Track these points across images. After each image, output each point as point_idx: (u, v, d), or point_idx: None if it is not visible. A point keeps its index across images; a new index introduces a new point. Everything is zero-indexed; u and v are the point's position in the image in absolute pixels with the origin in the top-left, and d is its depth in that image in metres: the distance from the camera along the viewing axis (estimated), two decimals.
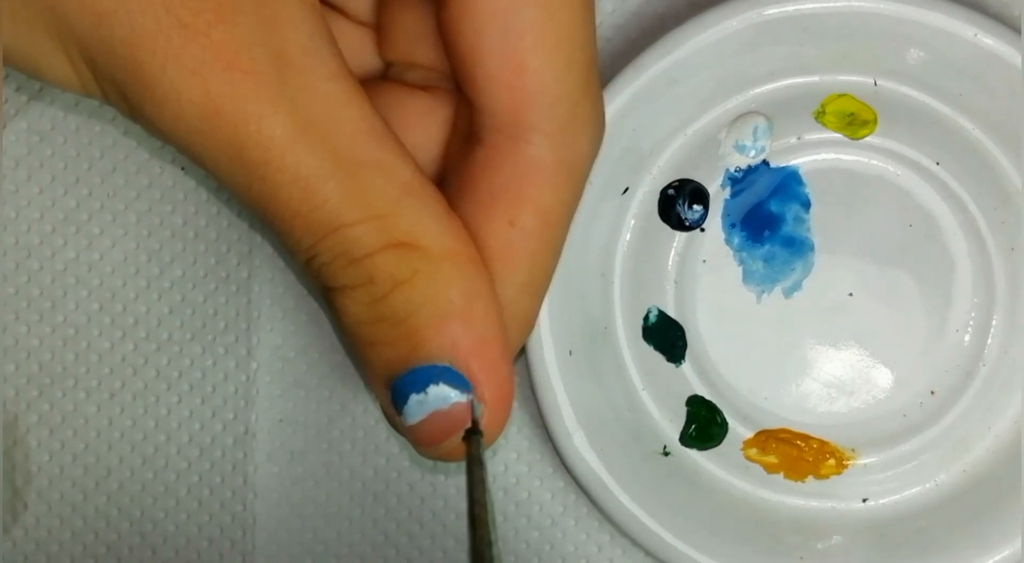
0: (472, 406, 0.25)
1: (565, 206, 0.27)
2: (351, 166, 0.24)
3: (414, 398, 0.25)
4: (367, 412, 0.37)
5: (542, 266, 0.27)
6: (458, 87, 0.27)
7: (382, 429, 0.37)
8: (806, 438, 0.37)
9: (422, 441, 0.26)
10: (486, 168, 0.26)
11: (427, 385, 0.25)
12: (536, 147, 0.26)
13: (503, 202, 0.26)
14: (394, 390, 0.25)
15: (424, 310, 0.25)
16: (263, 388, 0.37)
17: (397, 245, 0.25)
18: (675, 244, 0.37)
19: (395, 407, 0.26)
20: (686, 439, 0.37)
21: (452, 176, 0.28)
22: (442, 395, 0.25)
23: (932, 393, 0.37)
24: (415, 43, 0.28)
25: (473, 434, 0.26)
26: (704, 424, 0.37)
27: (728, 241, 0.37)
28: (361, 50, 0.29)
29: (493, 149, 0.26)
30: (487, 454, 0.32)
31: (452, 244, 0.25)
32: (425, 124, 0.28)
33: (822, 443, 0.37)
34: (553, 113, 0.26)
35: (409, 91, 0.29)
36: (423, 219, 0.25)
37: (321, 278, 0.25)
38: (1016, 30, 0.34)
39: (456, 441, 0.26)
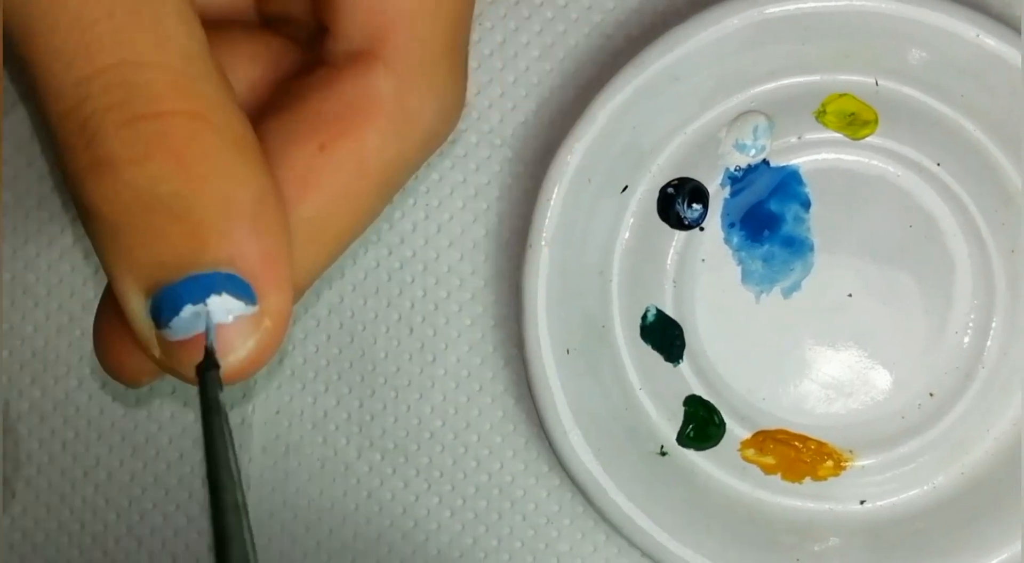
0: (229, 329, 0.21)
1: (388, 158, 0.24)
2: (157, 4, 0.21)
3: (188, 309, 0.21)
4: (363, 407, 0.37)
5: (341, 210, 0.23)
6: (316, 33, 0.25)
7: (378, 425, 0.37)
8: (804, 439, 0.36)
9: (190, 359, 0.21)
10: (318, 87, 0.23)
11: (207, 295, 0.21)
12: (379, 77, 0.23)
13: (322, 123, 0.23)
14: (161, 298, 0.21)
15: (211, 205, 0.21)
16: (260, 380, 0.37)
17: (193, 116, 0.21)
18: (674, 243, 0.37)
19: (156, 319, 0.21)
20: (683, 439, 0.36)
21: (275, 100, 0.25)
22: (226, 306, 0.21)
23: (931, 395, 0.37)
24: None
25: (208, 370, 0.21)
26: (702, 424, 0.37)
27: (727, 240, 0.37)
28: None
29: (337, 70, 0.23)
30: None
31: (243, 131, 0.21)
32: (265, 58, 0.25)
33: (820, 444, 0.36)
34: (407, 52, 0.24)
35: (265, 31, 0.26)
36: (216, 93, 0.21)
37: (82, 141, 0.20)
38: (1018, 31, 0.34)
39: (235, 360, 0.22)
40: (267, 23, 0.27)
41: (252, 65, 0.25)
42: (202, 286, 0.21)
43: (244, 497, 0.20)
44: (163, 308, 0.21)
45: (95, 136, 0.20)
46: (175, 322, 0.21)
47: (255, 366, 0.22)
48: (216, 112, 0.21)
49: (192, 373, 0.21)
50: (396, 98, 0.23)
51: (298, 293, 0.23)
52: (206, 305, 0.21)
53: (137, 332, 0.22)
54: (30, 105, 0.37)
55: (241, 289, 0.21)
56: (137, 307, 0.21)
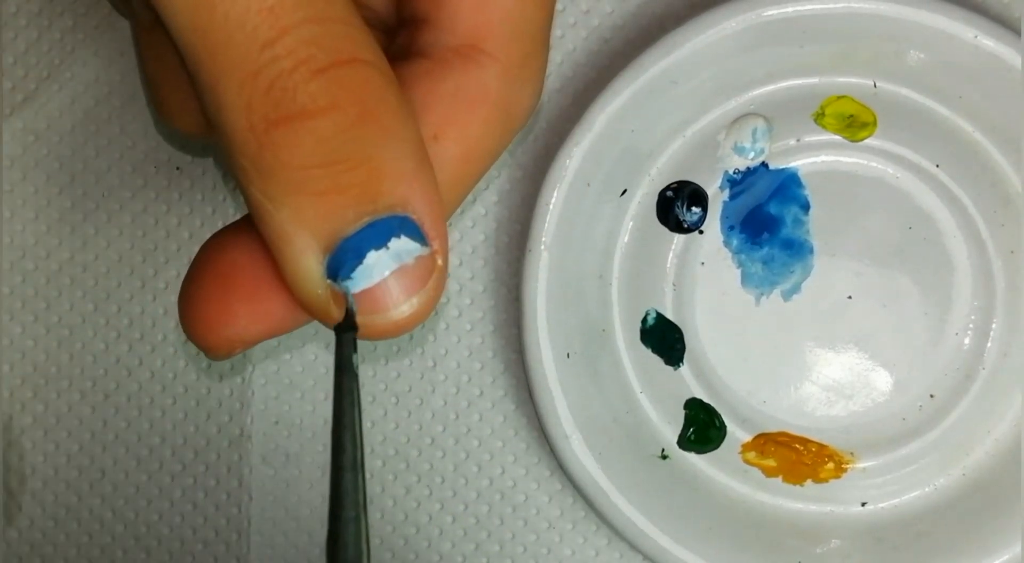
0: (410, 272, 0.22)
1: (489, 147, 0.25)
2: None
3: (372, 256, 0.21)
4: (364, 414, 0.37)
5: (446, 196, 0.24)
6: (393, 28, 0.26)
7: (377, 432, 0.37)
8: (805, 441, 0.37)
9: (376, 307, 0.22)
10: (428, 79, 0.24)
11: (388, 239, 0.21)
12: (486, 73, 0.24)
13: (435, 114, 0.24)
14: (342, 250, 0.21)
15: (388, 150, 0.21)
16: (258, 390, 0.37)
17: (363, 62, 0.21)
18: (673, 246, 0.37)
19: (331, 274, 0.22)
20: (684, 442, 0.37)
21: None
22: (406, 249, 0.22)
23: (931, 396, 0.37)
24: None
25: (347, 331, 0.22)
26: (702, 427, 0.37)
27: (727, 243, 0.37)
28: None
29: (442, 63, 0.24)
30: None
31: (398, 82, 0.22)
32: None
33: (821, 447, 0.37)
34: (511, 45, 0.25)
35: None
36: (374, 40, 0.22)
37: (269, 102, 0.21)
38: (1016, 32, 0.34)
39: (418, 303, 0.22)
40: None
41: None
42: (381, 231, 0.21)
43: (363, 458, 0.21)
44: (345, 259, 0.21)
45: (284, 92, 0.21)
46: (359, 270, 0.21)
47: (428, 309, 0.22)
48: (381, 59, 0.22)
49: (377, 325, 0.22)
50: (501, 90, 0.24)
51: None
52: (388, 249, 0.21)
53: (308, 291, 0.22)
54: (24, 118, 0.37)
55: (415, 232, 0.22)
56: (314, 264, 0.22)
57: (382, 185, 0.21)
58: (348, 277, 0.21)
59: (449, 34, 0.25)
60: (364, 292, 0.22)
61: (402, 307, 0.22)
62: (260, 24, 0.21)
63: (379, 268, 0.21)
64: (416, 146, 0.22)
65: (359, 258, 0.21)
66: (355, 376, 0.22)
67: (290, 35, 0.21)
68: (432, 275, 0.22)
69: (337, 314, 0.22)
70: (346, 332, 0.22)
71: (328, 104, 0.21)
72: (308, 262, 0.22)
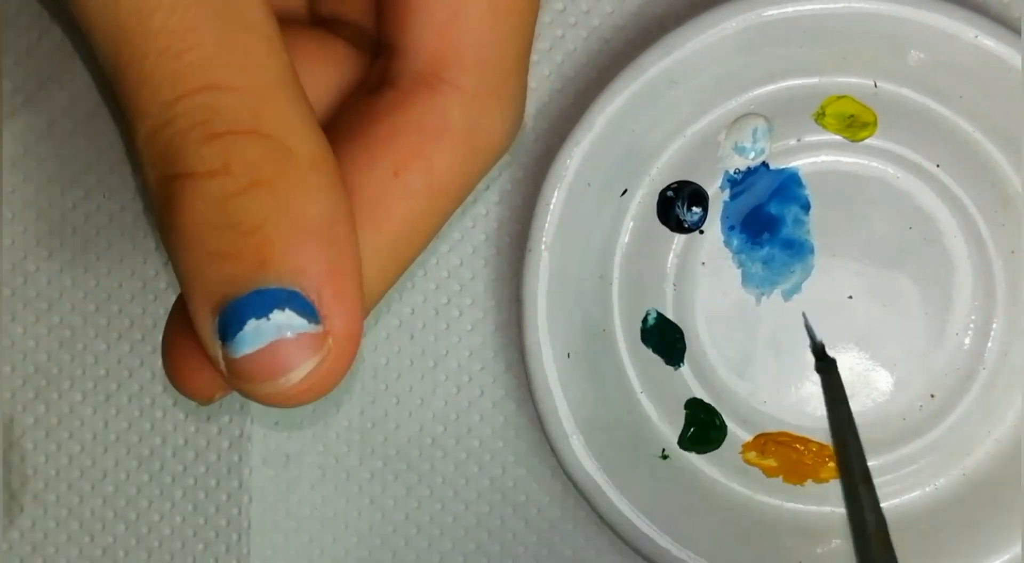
0: (289, 345, 0.22)
1: (458, 180, 0.24)
2: (239, 21, 0.22)
3: (252, 324, 0.21)
4: (363, 414, 0.37)
5: (411, 237, 0.24)
6: (379, 46, 0.26)
7: (378, 432, 0.37)
8: (805, 441, 0.37)
9: (253, 375, 0.22)
10: (389, 111, 0.24)
11: (270, 310, 0.21)
12: (450, 102, 0.24)
13: (395, 149, 0.24)
14: (227, 314, 0.21)
15: (281, 221, 0.21)
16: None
17: (263, 134, 0.21)
18: (674, 246, 0.37)
19: (220, 335, 0.22)
20: (685, 442, 0.37)
21: (343, 121, 0.25)
22: (287, 323, 0.21)
23: (932, 396, 0.37)
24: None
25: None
26: (703, 427, 0.37)
27: (727, 243, 0.37)
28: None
29: (406, 93, 0.24)
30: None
31: (320, 153, 0.22)
32: (331, 67, 0.26)
33: (821, 446, 0.37)
34: (476, 73, 0.24)
35: (329, 35, 0.27)
36: (295, 115, 0.22)
37: (166, 158, 0.22)
38: (1017, 32, 0.34)
39: (296, 378, 0.22)
40: (321, 24, 0.27)
41: (323, 69, 0.26)
42: (266, 301, 0.21)
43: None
44: (229, 323, 0.21)
45: (177, 153, 0.21)
46: (239, 336, 0.21)
47: (317, 388, 0.22)
48: (294, 133, 0.22)
49: (254, 391, 0.22)
50: (466, 121, 0.24)
51: (364, 312, 0.24)
52: (268, 319, 0.21)
53: (206, 348, 0.22)
54: (26, 118, 0.37)
55: (304, 307, 0.21)
56: (206, 323, 0.22)
57: (272, 255, 0.21)
58: (231, 340, 0.21)
59: (414, 61, 0.24)
60: (245, 359, 0.22)
61: (279, 379, 0.22)
62: (163, 84, 0.21)
63: (256, 338, 0.21)
64: (322, 222, 0.22)
65: (240, 325, 0.21)
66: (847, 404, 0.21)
67: (190, 98, 0.21)
68: (317, 353, 0.22)
69: (226, 373, 0.22)
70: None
71: (218, 168, 0.21)
72: (201, 320, 0.22)
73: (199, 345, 0.23)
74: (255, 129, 0.21)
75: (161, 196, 0.22)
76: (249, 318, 0.21)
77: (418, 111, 0.24)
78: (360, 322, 0.22)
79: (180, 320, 0.24)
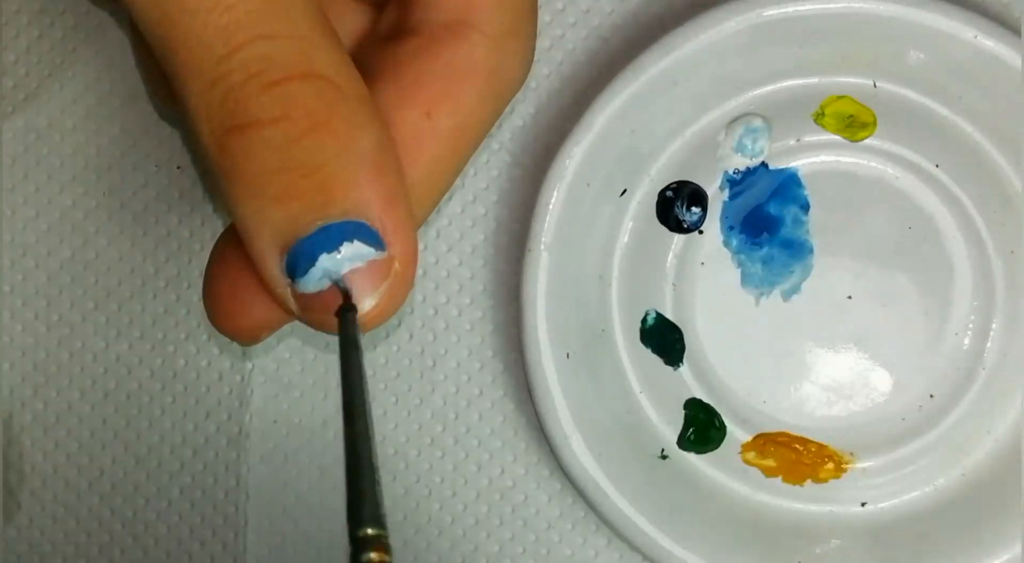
0: (363, 274, 0.23)
1: (482, 119, 0.26)
2: None
3: (324, 258, 0.22)
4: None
5: (442, 173, 0.25)
6: (380, 1, 0.27)
7: (378, 431, 0.37)
8: (804, 442, 0.37)
9: (329, 307, 0.23)
10: (417, 57, 0.25)
11: (340, 243, 0.22)
12: (475, 46, 0.25)
13: (426, 92, 0.25)
14: (296, 252, 0.23)
15: (340, 158, 0.22)
16: (258, 389, 0.37)
17: (316, 76, 0.23)
18: (673, 246, 0.37)
19: (291, 274, 0.23)
20: (684, 442, 0.37)
21: (366, 68, 0.26)
22: (357, 253, 0.23)
23: (931, 396, 0.37)
24: None
25: (348, 311, 0.23)
26: (702, 427, 0.37)
27: (727, 243, 0.37)
28: None
29: (430, 40, 0.25)
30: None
31: (363, 88, 0.23)
32: (337, 19, 0.27)
33: (820, 447, 0.37)
34: (498, 18, 0.25)
35: None
36: (338, 55, 0.23)
37: (224, 111, 0.22)
38: (1016, 32, 0.34)
39: (370, 305, 0.23)
40: None
41: (337, 20, 0.26)
42: (334, 235, 0.22)
43: (372, 426, 0.22)
44: (299, 261, 0.22)
45: (237, 104, 0.22)
46: (311, 272, 0.22)
47: (390, 309, 0.23)
48: (339, 72, 0.23)
49: (327, 323, 0.23)
50: (491, 62, 0.25)
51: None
52: (340, 253, 0.22)
53: (273, 289, 0.23)
54: (26, 116, 0.37)
55: (370, 236, 0.23)
56: (272, 264, 0.23)
57: (335, 191, 0.22)
58: (302, 278, 0.23)
59: (436, 10, 0.25)
60: (319, 294, 0.23)
61: (363, 302, 0.23)
62: (215, 40, 0.22)
63: (331, 270, 0.22)
64: (375, 154, 0.23)
65: (311, 261, 0.22)
66: (359, 350, 0.23)
67: (243, 50, 0.22)
68: (387, 278, 0.23)
69: (296, 310, 0.23)
70: (346, 312, 0.23)
71: (278, 115, 0.22)
72: (268, 262, 0.23)
73: (249, 287, 0.24)
74: (309, 72, 0.22)
75: (219, 149, 0.23)
76: (320, 253, 0.22)
77: (446, 56, 0.25)
78: (416, 242, 0.24)
79: (225, 266, 0.25)
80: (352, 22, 0.27)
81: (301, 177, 0.22)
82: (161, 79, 0.29)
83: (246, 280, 0.24)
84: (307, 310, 0.23)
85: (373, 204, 0.23)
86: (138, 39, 0.30)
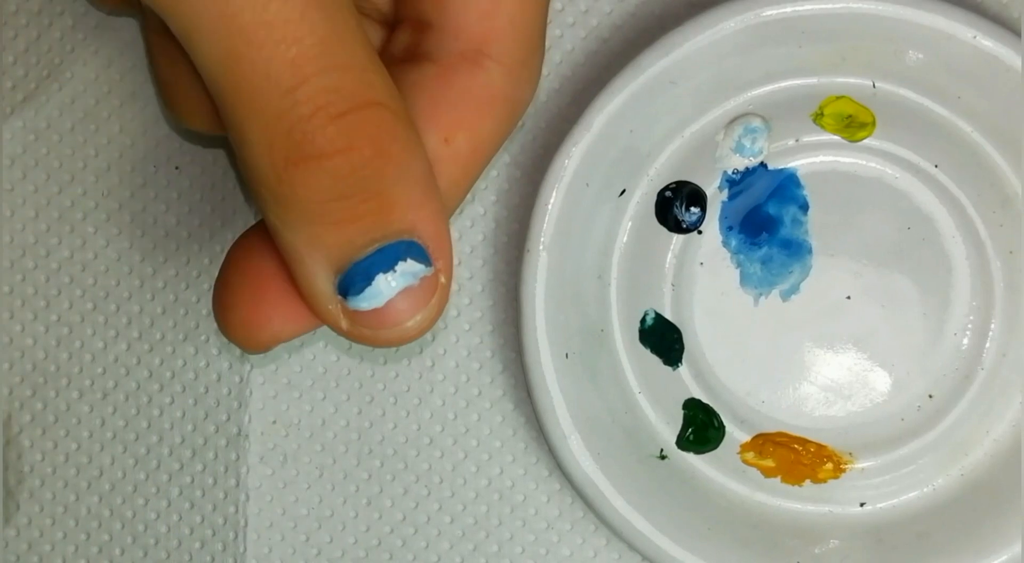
0: (416, 292, 0.24)
1: (497, 142, 0.27)
2: (333, 7, 0.23)
3: (381, 278, 0.24)
4: (361, 414, 0.37)
5: (457, 193, 0.27)
6: (391, 20, 0.28)
7: (376, 432, 0.37)
8: (803, 442, 0.37)
9: (382, 323, 0.24)
10: (436, 83, 0.26)
11: (395, 263, 0.24)
12: (492, 75, 0.26)
13: (445, 118, 0.26)
14: (352, 273, 0.24)
15: (399, 183, 0.24)
16: (257, 389, 0.37)
17: (377, 104, 0.23)
18: (672, 246, 0.37)
19: (342, 292, 0.24)
20: (683, 442, 0.37)
21: None
22: (411, 270, 0.24)
23: (930, 397, 0.37)
24: None
25: None
26: (701, 427, 0.37)
27: (725, 243, 0.37)
28: None
29: (449, 67, 0.26)
30: None
31: (408, 112, 0.24)
32: (370, 36, 0.27)
33: (819, 447, 0.37)
34: (514, 49, 0.26)
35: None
36: (389, 80, 0.24)
37: (289, 144, 0.23)
38: (1015, 32, 0.34)
39: (423, 317, 0.25)
40: None
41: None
42: (390, 255, 0.24)
43: None
44: (355, 281, 0.24)
45: (304, 136, 0.23)
46: (368, 291, 0.24)
47: (431, 321, 0.25)
48: (393, 97, 0.24)
49: (378, 338, 0.24)
50: (507, 90, 0.26)
51: None
52: (395, 271, 0.24)
53: (321, 306, 0.24)
54: (25, 117, 0.37)
55: (420, 254, 0.24)
56: (325, 283, 0.24)
57: (392, 214, 0.23)
58: (358, 296, 0.24)
59: (454, 40, 0.26)
60: (373, 310, 0.24)
61: (408, 323, 0.24)
62: (283, 73, 0.23)
63: (387, 289, 0.24)
64: (423, 175, 0.24)
65: (368, 280, 0.24)
66: None
67: (310, 84, 0.23)
68: (436, 292, 0.24)
69: (347, 326, 0.24)
70: None
71: (344, 146, 0.23)
72: (320, 282, 0.24)
73: (271, 300, 0.25)
74: (371, 101, 0.23)
75: (277, 179, 0.23)
76: (377, 273, 0.24)
77: (464, 83, 0.26)
78: (453, 257, 0.25)
79: (246, 277, 0.26)
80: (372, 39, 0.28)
81: (361, 203, 0.23)
82: (180, 93, 0.30)
83: (270, 292, 0.25)
84: (358, 325, 0.24)
85: (424, 223, 0.24)
86: (158, 52, 0.31)
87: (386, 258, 0.24)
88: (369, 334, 0.24)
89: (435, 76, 0.26)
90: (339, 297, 0.24)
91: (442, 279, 0.25)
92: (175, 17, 0.23)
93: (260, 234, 0.26)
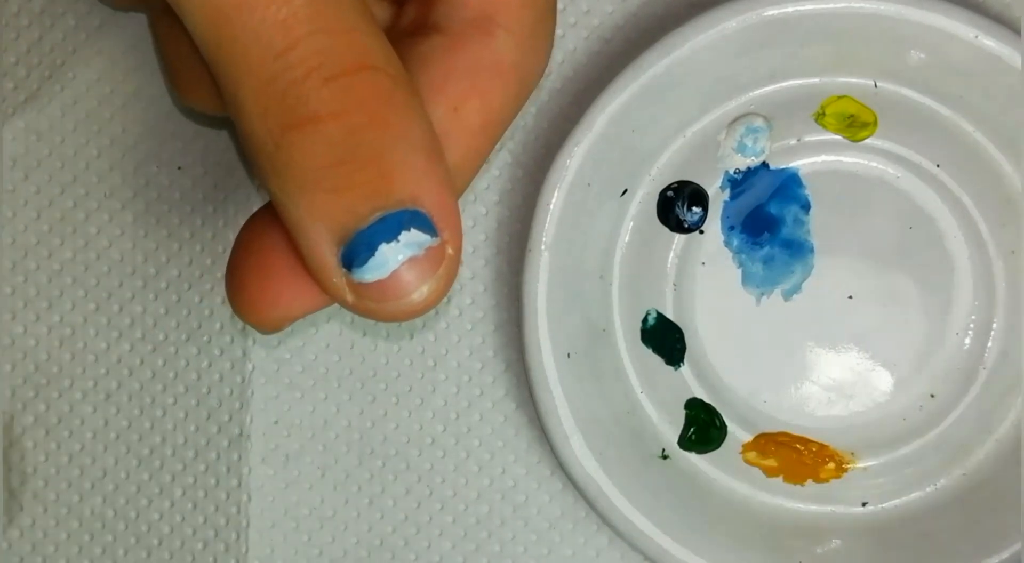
0: (421, 262, 0.23)
1: (507, 113, 0.26)
2: None
3: (384, 248, 0.23)
4: (363, 414, 0.37)
5: (467, 167, 0.26)
6: None
7: (378, 432, 0.37)
8: (805, 441, 0.37)
9: (388, 295, 0.23)
10: (445, 53, 0.26)
11: (399, 232, 0.23)
12: (502, 43, 0.26)
13: (455, 87, 0.25)
14: (355, 243, 0.23)
15: (396, 149, 0.23)
16: (258, 390, 0.37)
17: (371, 68, 0.23)
18: (674, 246, 0.37)
19: (346, 264, 0.23)
20: (685, 442, 0.37)
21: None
22: (415, 241, 0.23)
23: (932, 396, 0.37)
24: None
25: None
26: (703, 427, 0.37)
27: (727, 243, 0.37)
28: None
29: (457, 37, 0.26)
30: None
31: (409, 78, 0.24)
32: (375, 9, 0.27)
33: (821, 446, 0.37)
34: (524, 17, 0.26)
35: None
36: (387, 45, 0.23)
37: (283, 108, 0.23)
38: (1017, 32, 0.34)
39: (429, 289, 0.24)
40: None
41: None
42: (392, 225, 0.23)
43: None
44: (358, 251, 0.23)
45: (297, 100, 0.22)
46: (371, 262, 0.23)
47: (439, 296, 0.24)
48: (390, 62, 0.23)
49: (382, 311, 0.24)
50: (516, 59, 0.26)
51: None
52: (399, 241, 0.23)
53: (327, 279, 0.23)
54: (27, 117, 0.37)
55: (425, 223, 0.23)
56: (329, 255, 0.23)
57: (392, 182, 0.23)
58: (361, 267, 0.23)
59: (462, 8, 0.26)
60: (377, 282, 0.23)
61: (413, 295, 0.23)
62: (274, 36, 0.22)
63: (391, 259, 0.23)
64: (425, 143, 0.23)
65: (371, 250, 0.23)
66: None
67: (301, 46, 0.22)
68: (443, 263, 0.23)
69: (352, 299, 0.24)
70: None
71: (338, 109, 0.22)
72: (323, 253, 0.23)
73: (282, 276, 0.25)
74: (364, 64, 0.23)
75: (275, 146, 0.23)
76: (380, 243, 0.23)
77: (473, 53, 0.26)
78: (461, 227, 0.24)
79: (256, 255, 0.25)
80: (377, 15, 0.27)
81: (357, 169, 0.23)
82: (184, 72, 0.30)
83: (279, 269, 0.25)
84: (363, 298, 0.23)
85: (428, 193, 0.23)
86: (162, 32, 0.30)
87: (389, 227, 0.23)
88: (375, 307, 0.24)
89: (443, 46, 0.26)
90: (343, 270, 0.23)
91: (449, 250, 0.24)
92: None
93: (268, 213, 0.25)
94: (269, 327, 0.26)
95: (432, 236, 0.23)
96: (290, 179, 0.23)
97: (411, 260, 0.23)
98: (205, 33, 0.23)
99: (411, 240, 0.23)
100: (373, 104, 0.23)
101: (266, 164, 0.23)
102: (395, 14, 0.28)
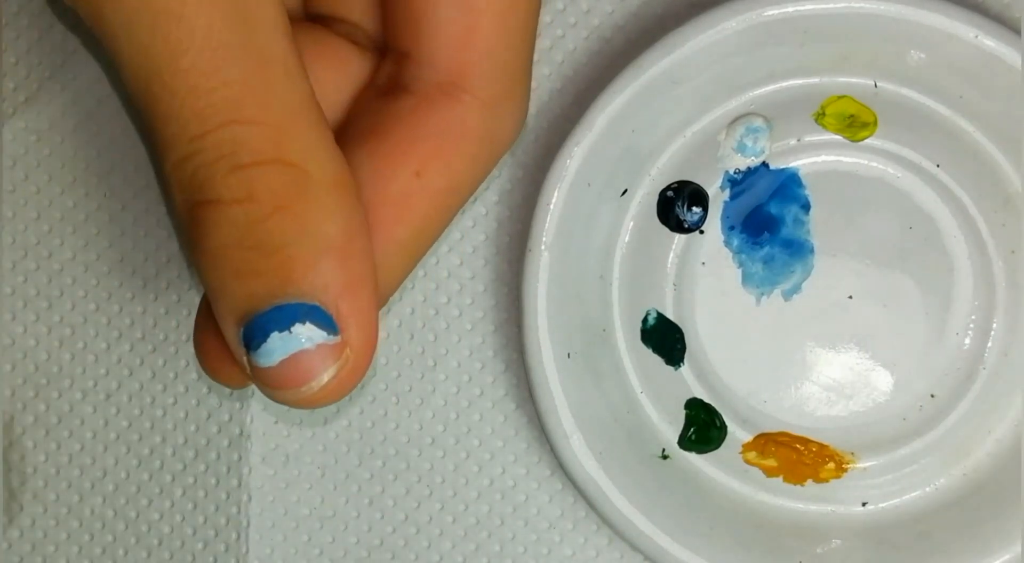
0: (310, 355, 0.24)
1: (472, 179, 0.26)
2: (262, 57, 0.23)
3: (275, 336, 0.23)
4: (363, 414, 0.37)
5: (429, 231, 0.26)
6: (382, 47, 0.27)
7: (378, 432, 0.37)
8: (805, 441, 0.37)
9: (277, 383, 0.24)
10: (412, 115, 0.26)
11: (292, 323, 0.23)
12: (468, 109, 0.26)
13: (417, 151, 0.25)
14: (251, 326, 0.23)
15: (302, 242, 0.23)
16: (255, 391, 0.37)
17: (284, 163, 0.23)
18: (674, 246, 0.37)
19: (245, 346, 0.24)
20: (685, 442, 0.37)
21: (361, 122, 0.27)
22: (307, 335, 0.23)
23: (932, 396, 0.37)
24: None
25: None
26: (703, 427, 0.37)
27: (727, 243, 0.37)
28: None
29: (423, 100, 0.26)
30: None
31: (338, 174, 0.24)
32: (340, 68, 0.27)
33: (821, 446, 0.37)
34: (492, 82, 0.26)
35: (331, 34, 0.28)
36: (314, 141, 0.24)
37: (193, 185, 0.23)
38: (1017, 32, 0.34)
39: (317, 386, 0.24)
40: (317, 20, 0.29)
41: (333, 71, 0.27)
42: (287, 314, 0.23)
43: None
44: (253, 335, 0.23)
45: (205, 182, 0.23)
46: (263, 348, 0.23)
47: (337, 393, 0.24)
48: (313, 159, 0.24)
49: (276, 396, 0.24)
50: (483, 125, 0.26)
51: (382, 304, 0.26)
52: (290, 332, 0.23)
53: (235, 355, 0.24)
54: (27, 118, 0.37)
55: (324, 320, 0.23)
56: (232, 334, 0.24)
57: (293, 273, 0.23)
58: (255, 352, 0.24)
59: (431, 70, 0.26)
60: (269, 368, 0.24)
61: (302, 388, 0.24)
62: (191, 121, 0.23)
63: (278, 349, 0.23)
64: (339, 240, 0.24)
65: (264, 337, 0.23)
66: None
67: (215, 134, 0.23)
68: (336, 362, 0.24)
69: (253, 381, 0.24)
70: None
71: (242, 197, 0.23)
72: (228, 331, 0.24)
73: (222, 348, 0.25)
74: (277, 158, 0.23)
75: (188, 220, 0.24)
76: (272, 331, 0.23)
77: (438, 117, 0.26)
78: (375, 330, 0.24)
79: (208, 320, 0.25)
80: (357, 70, 0.28)
81: (261, 256, 0.23)
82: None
83: (218, 340, 0.25)
84: (259, 381, 0.24)
85: (330, 289, 0.23)
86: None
87: (283, 317, 0.23)
88: (270, 392, 0.24)
89: (411, 108, 0.26)
90: (243, 349, 0.24)
91: (348, 352, 0.24)
92: (110, 50, 0.23)
93: None
94: (236, 386, 0.27)
95: (329, 333, 0.23)
96: (202, 255, 0.24)
97: (301, 352, 0.23)
98: (136, 101, 0.23)
99: (304, 333, 0.23)
100: (280, 196, 0.23)
101: (184, 235, 0.24)
102: (375, 67, 0.28)
